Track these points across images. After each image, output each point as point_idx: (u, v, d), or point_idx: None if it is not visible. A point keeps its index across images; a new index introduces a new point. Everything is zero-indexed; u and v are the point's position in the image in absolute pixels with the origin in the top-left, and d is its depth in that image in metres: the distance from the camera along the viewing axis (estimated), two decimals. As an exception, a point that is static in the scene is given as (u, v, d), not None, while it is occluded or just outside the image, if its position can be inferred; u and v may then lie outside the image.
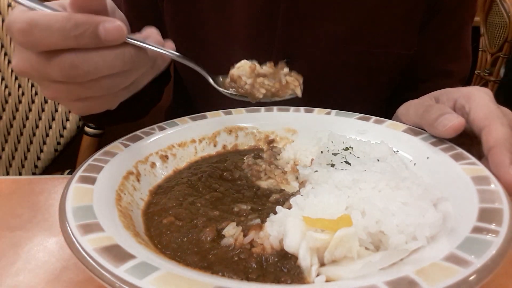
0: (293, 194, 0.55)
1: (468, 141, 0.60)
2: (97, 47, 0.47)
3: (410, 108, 0.67)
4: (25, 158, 1.45)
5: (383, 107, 1.00)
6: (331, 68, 0.89)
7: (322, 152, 0.63)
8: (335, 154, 0.60)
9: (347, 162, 0.57)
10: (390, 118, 0.71)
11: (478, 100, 0.56)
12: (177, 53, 0.56)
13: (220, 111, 0.76)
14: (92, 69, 0.48)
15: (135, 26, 0.59)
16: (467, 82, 1.01)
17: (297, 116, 0.76)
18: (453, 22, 0.92)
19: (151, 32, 0.56)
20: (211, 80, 0.63)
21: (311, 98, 0.91)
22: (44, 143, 1.42)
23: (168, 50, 0.55)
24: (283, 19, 0.84)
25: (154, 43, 0.53)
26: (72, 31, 0.45)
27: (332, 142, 0.64)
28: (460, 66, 0.96)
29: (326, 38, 0.85)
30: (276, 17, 0.84)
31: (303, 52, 0.87)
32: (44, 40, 0.45)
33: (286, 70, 0.64)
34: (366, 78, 0.91)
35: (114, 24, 0.47)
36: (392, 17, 0.85)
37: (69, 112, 1.38)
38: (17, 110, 1.43)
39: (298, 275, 0.40)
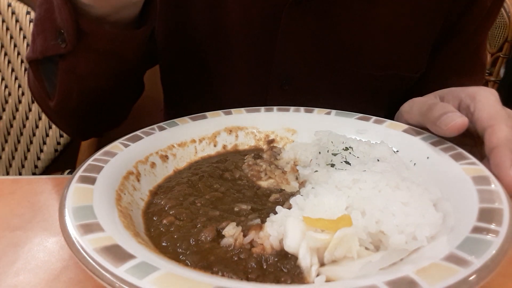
0: (293, 194, 0.55)
1: (471, 141, 0.59)
2: None
3: (413, 105, 0.66)
4: (25, 158, 1.45)
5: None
6: (331, 91, 0.86)
7: (320, 152, 0.63)
8: (335, 154, 0.60)
9: (347, 162, 0.57)
10: (392, 117, 0.71)
11: (484, 100, 0.56)
12: None
13: (220, 111, 0.76)
14: None
15: None
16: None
17: (297, 116, 0.76)
18: (473, 42, 0.89)
19: None
20: None
21: None
22: (44, 143, 1.42)
23: None
24: (281, 42, 0.81)
25: None
26: None
27: (332, 142, 0.64)
28: (475, 79, 0.93)
29: (326, 61, 0.83)
30: (274, 40, 0.81)
31: (302, 75, 0.85)
32: None
33: None
34: (367, 100, 0.89)
35: None
36: (401, 41, 0.82)
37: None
38: (17, 110, 1.43)
39: (298, 275, 0.40)
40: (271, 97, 0.87)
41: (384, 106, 0.93)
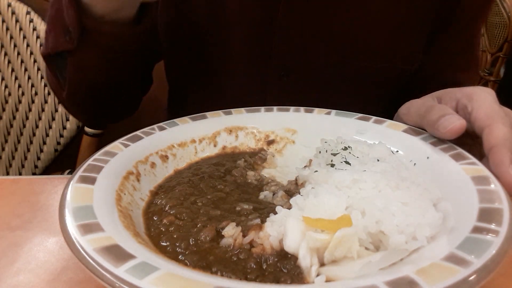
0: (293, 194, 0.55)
1: (470, 141, 0.59)
2: None
3: (411, 108, 0.67)
4: (25, 158, 1.45)
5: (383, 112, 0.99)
6: (329, 83, 0.87)
7: (320, 152, 0.63)
8: (334, 154, 0.60)
9: (347, 162, 0.57)
10: (392, 117, 0.71)
11: (481, 100, 0.56)
12: None
13: (220, 111, 0.76)
14: None
15: None
16: (467, 82, 1.00)
17: (297, 116, 0.76)
18: (467, 33, 0.89)
19: None
20: None
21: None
22: (44, 143, 1.42)
23: None
24: (280, 34, 0.82)
25: None
26: None
27: (327, 143, 0.64)
28: (470, 75, 0.94)
29: (325, 52, 0.84)
30: (273, 31, 0.82)
31: (301, 66, 0.86)
32: None
33: None
34: (365, 94, 0.89)
35: None
36: (396, 32, 0.83)
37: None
38: (17, 110, 1.43)
39: (298, 275, 0.40)
40: (270, 88, 0.88)
41: (384, 102, 0.94)
